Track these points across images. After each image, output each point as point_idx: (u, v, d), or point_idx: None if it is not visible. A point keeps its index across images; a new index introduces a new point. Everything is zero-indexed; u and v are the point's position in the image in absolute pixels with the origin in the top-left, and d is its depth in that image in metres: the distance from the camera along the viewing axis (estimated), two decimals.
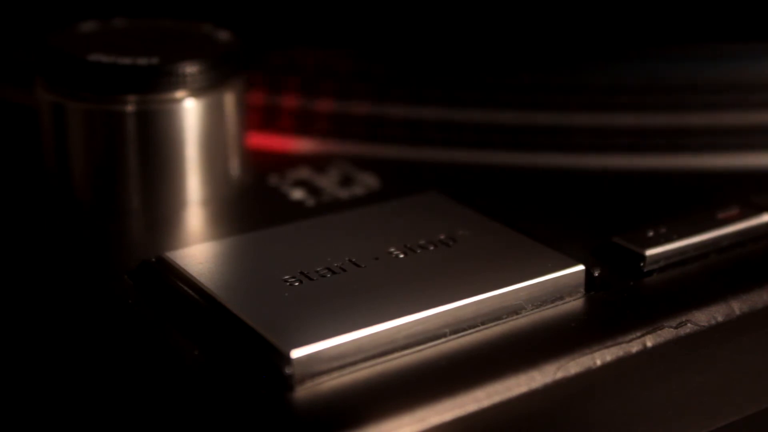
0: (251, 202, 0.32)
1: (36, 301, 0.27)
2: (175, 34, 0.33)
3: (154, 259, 0.28)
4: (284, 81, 0.35)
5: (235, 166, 0.32)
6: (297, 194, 0.32)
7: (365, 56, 0.35)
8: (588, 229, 0.30)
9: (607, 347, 0.26)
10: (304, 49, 0.35)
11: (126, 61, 0.30)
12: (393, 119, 0.35)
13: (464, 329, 0.26)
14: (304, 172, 0.33)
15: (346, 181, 0.33)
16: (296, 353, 0.24)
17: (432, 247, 0.28)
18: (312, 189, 0.32)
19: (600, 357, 0.26)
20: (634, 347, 0.26)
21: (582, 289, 0.27)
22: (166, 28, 0.33)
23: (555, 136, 0.34)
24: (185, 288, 0.27)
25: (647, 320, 0.26)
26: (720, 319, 0.27)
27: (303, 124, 0.35)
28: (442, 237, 0.28)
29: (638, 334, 0.26)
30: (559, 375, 0.25)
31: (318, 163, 0.34)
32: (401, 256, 0.28)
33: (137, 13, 0.34)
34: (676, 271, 0.28)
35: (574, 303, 0.27)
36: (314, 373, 0.24)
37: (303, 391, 0.24)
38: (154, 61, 0.30)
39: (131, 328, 0.26)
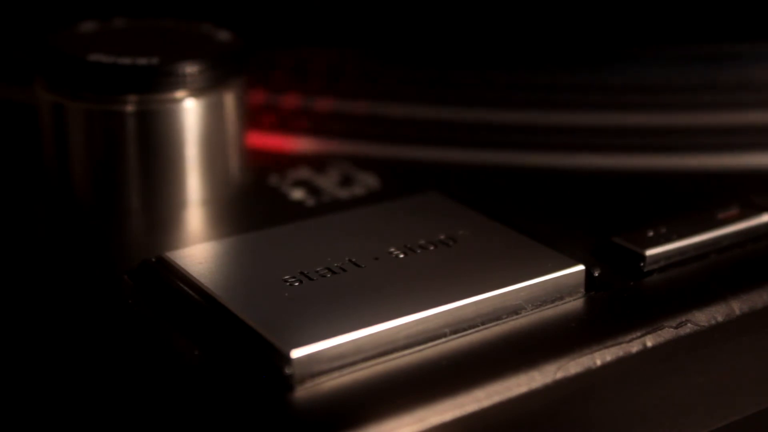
0: (251, 202, 0.32)
1: (36, 301, 0.27)
2: (175, 34, 0.33)
3: (154, 259, 0.28)
4: (284, 81, 0.35)
5: (235, 166, 0.32)
6: (297, 194, 0.32)
7: (365, 56, 0.35)
8: (588, 229, 0.30)
9: (607, 347, 0.26)
10: (304, 49, 0.35)
11: (126, 61, 0.30)
12: (393, 119, 0.35)
13: (464, 329, 0.26)
14: (304, 172, 0.33)
15: (346, 181, 0.33)
16: (296, 353, 0.24)
17: (432, 247, 0.28)
18: (312, 189, 0.32)
19: (600, 357, 0.26)
20: (634, 347, 0.26)
21: (582, 289, 0.27)
22: (166, 28, 0.33)
23: (555, 136, 0.34)
24: (185, 288, 0.27)
25: (647, 320, 0.26)
26: (720, 319, 0.27)
27: (303, 124, 0.35)
28: (442, 237, 0.28)
29: (638, 334, 0.26)
30: (559, 375, 0.25)
31: (318, 163, 0.34)
32: (401, 256, 0.28)
33: (137, 13, 0.34)
34: (676, 271, 0.28)
35: (574, 303, 0.27)
36: (314, 373, 0.24)
37: (303, 391, 0.24)
38: (154, 61, 0.30)
39: (131, 328, 0.26)
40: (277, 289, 0.26)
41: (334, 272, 0.27)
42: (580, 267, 0.27)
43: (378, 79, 0.35)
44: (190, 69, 0.31)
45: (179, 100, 0.31)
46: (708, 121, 0.34)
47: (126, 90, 0.30)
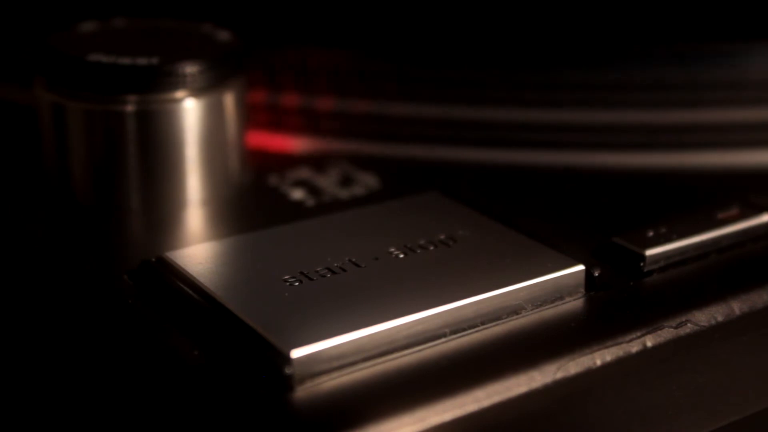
0: (251, 202, 0.32)
1: (36, 301, 0.27)
2: (175, 34, 0.33)
3: (154, 259, 0.28)
4: (284, 80, 0.35)
5: (235, 166, 0.32)
6: (297, 194, 0.32)
7: (365, 55, 0.35)
8: (588, 229, 0.30)
9: (607, 347, 0.26)
10: (304, 49, 0.35)
11: (126, 61, 0.30)
12: (393, 118, 0.35)
13: (464, 329, 0.26)
14: (304, 172, 0.33)
15: (346, 181, 0.33)
16: (296, 353, 0.24)
17: (432, 247, 0.28)
18: (312, 189, 0.32)
19: (600, 357, 0.26)
20: (634, 347, 0.26)
21: (582, 289, 0.27)
22: (166, 28, 0.33)
23: (555, 135, 0.34)
24: (185, 288, 0.27)
25: (647, 320, 0.26)
26: (720, 319, 0.27)
27: (303, 123, 0.35)
28: (442, 237, 0.28)
29: (638, 334, 0.26)
30: (559, 375, 0.25)
31: (318, 163, 0.34)
32: (401, 256, 0.28)
33: (137, 13, 0.34)
34: (676, 271, 0.28)
35: (574, 303, 0.27)
36: (314, 373, 0.24)
37: (303, 391, 0.24)
38: (154, 61, 0.30)
39: (131, 328, 0.26)
40: (277, 289, 0.26)
41: (334, 272, 0.27)
42: (580, 267, 0.27)
43: (378, 78, 0.35)
44: (190, 69, 0.31)
45: (179, 100, 0.31)
46: (708, 119, 0.34)
47: (126, 90, 0.30)
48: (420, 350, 0.25)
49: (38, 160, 0.32)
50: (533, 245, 0.28)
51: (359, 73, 0.35)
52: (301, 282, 0.27)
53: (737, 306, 0.27)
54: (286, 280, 0.27)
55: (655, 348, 0.26)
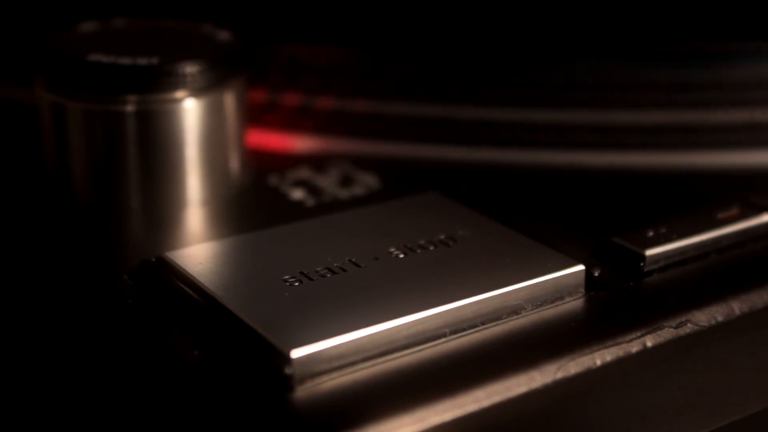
0: (251, 202, 0.32)
1: (36, 301, 0.27)
2: (175, 34, 0.33)
3: (154, 259, 0.28)
4: (284, 78, 0.35)
5: (235, 166, 0.32)
6: (297, 194, 0.32)
7: (366, 54, 0.35)
8: (588, 229, 0.30)
9: (607, 347, 0.26)
10: (305, 47, 0.35)
11: (126, 61, 0.30)
12: (393, 117, 0.35)
13: (464, 329, 0.26)
14: (304, 172, 0.33)
15: (346, 181, 0.33)
16: (296, 353, 0.24)
17: (432, 247, 0.28)
18: (312, 189, 0.32)
19: (600, 357, 0.26)
20: (634, 347, 0.26)
21: (582, 289, 0.27)
22: (166, 28, 0.33)
23: (555, 135, 0.34)
24: (185, 288, 0.27)
25: (647, 320, 0.26)
26: (720, 319, 0.27)
27: (303, 123, 0.35)
28: (442, 237, 0.28)
29: (638, 334, 0.26)
30: (559, 375, 0.25)
31: (318, 163, 0.34)
32: (401, 256, 0.28)
33: (137, 13, 0.34)
34: (676, 271, 0.28)
35: (574, 303, 0.27)
36: (314, 373, 0.24)
37: (303, 391, 0.24)
38: (154, 61, 0.30)
39: (131, 328, 0.26)
40: (277, 289, 0.26)
41: (334, 272, 0.27)
42: (580, 267, 0.27)
43: (378, 77, 0.35)
44: (190, 69, 0.31)
45: (179, 100, 0.31)
46: (709, 119, 0.34)
47: (126, 90, 0.30)
48: (420, 350, 0.25)
49: (38, 160, 0.32)
50: (533, 245, 0.28)
51: (359, 73, 0.35)
52: (301, 282, 0.27)
53: (737, 306, 0.27)
54: (286, 280, 0.27)
55: (655, 348, 0.26)
